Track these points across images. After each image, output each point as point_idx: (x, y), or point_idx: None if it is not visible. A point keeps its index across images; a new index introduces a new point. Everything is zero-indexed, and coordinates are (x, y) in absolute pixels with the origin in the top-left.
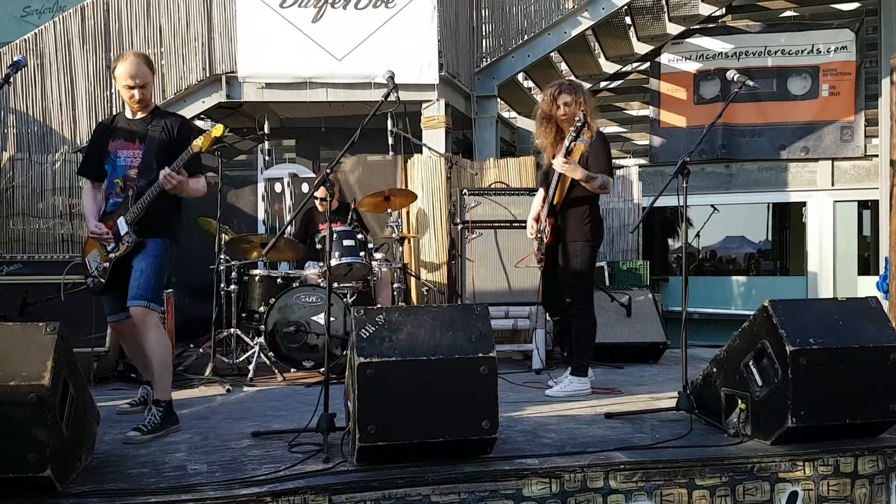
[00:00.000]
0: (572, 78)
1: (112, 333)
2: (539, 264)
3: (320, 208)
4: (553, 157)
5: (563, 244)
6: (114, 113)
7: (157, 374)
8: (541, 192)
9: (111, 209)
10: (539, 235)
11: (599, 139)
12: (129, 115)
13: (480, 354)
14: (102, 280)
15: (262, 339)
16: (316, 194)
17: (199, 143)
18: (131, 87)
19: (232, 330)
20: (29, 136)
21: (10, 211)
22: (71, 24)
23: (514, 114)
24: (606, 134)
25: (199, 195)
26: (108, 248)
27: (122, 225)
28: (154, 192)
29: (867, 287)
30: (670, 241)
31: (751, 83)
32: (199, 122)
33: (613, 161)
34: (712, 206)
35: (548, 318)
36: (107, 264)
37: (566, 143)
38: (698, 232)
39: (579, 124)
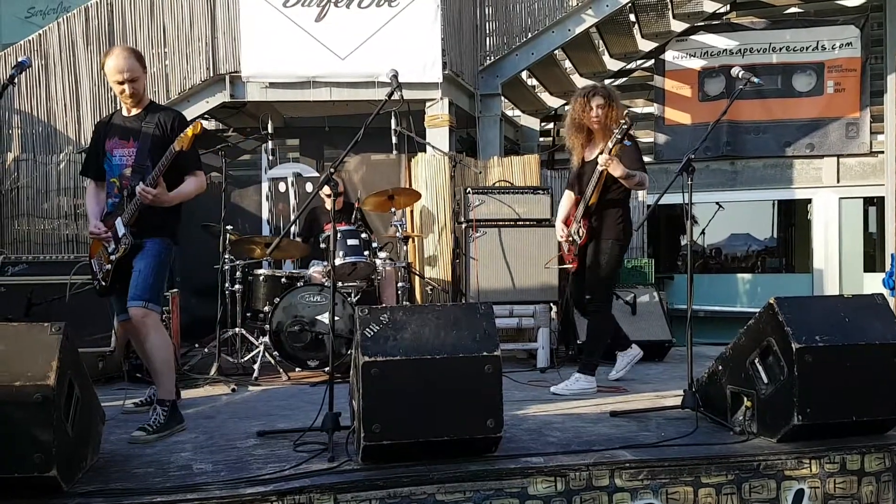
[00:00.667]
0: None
1: (118, 333)
2: (570, 265)
3: (327, 205)
4: (583, 160)
5: (595, 242)
6: (111, 112)
7: (159, 374)
8: (568, 194)
9: (110, 209)
10: (570, 238)
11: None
12: (124, 112)
13: (485, 353)
14: (104, 282)
15: (266, 339)
16: (324, 192)
17: (177, 145)
18: (121, 83)
19: (237, 329)
20: (33, 136)
21: (15, 211)
22: (75, 24)
23: (517, 112)
24: None
25: (196, 194)
26: (109, 250)
27: (120, 226)
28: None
29: (873, 284)
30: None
31: (755, 80)
32: (203, 123)
33: None
34: (717, 203)
35: (553, 316)
36: (109, 266)
37: (610, 143)
38: (703, 229)
39: (626, 126)
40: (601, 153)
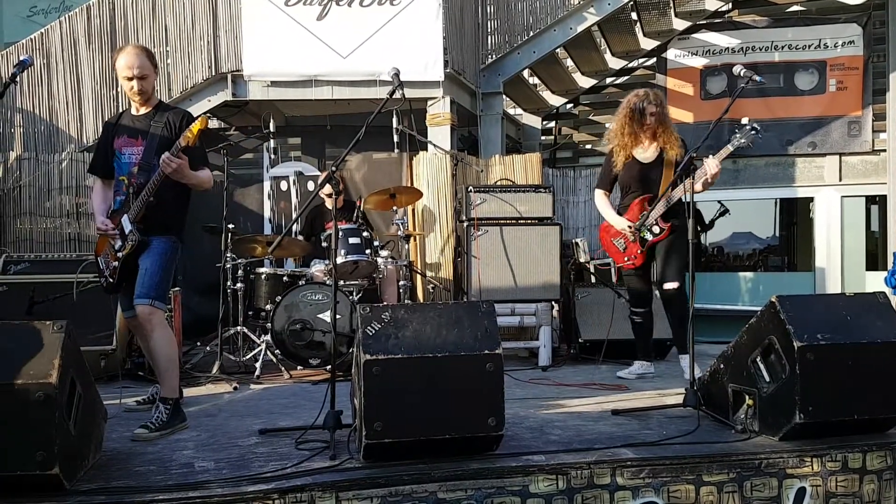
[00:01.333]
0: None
1: (119, 332)
2: (630, 262)
3: (328, 204)
4: (628, 159)
5: (673, 238)
6: (120, 111)
7: (162, 371)
8: (604, 193)
9: (118, 206)
10: (638, 234)
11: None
12: (133, 111)
13: (486, 351)
14: (112, 280)
15: (268, 337)
16: (324, 191)
17: (183, 140)
18: (130, 79)
19: (239, 328)
20: (35, 135)
21: (17, 210)
22: (77, 23)
23: (519, 110)
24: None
25: (205, 187)
26: (116, 247)
27: (126, 223)
28: (153, 185)
29: (875, 282)
30: None
31: (757, 78)
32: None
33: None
34: (719, 202)
35: (554, 315)
36: (116, 263)
37: (731, 148)
38: (707, 228)
39: (753, 132)
40: (704, 158)
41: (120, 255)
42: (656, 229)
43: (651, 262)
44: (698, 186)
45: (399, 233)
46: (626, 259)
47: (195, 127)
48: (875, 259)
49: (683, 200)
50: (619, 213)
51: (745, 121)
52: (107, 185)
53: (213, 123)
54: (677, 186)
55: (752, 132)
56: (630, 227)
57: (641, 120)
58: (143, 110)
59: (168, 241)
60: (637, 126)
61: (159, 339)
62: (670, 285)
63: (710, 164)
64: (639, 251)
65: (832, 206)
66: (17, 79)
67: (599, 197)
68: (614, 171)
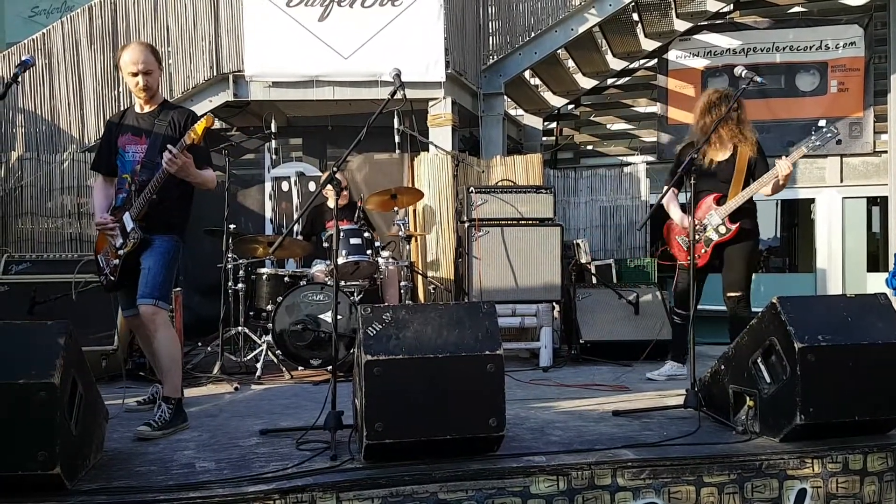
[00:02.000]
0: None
1: (121, 332)
2: (692, 259)
3: (330, 203)
4: (705, 156)
5: (742, 241)
6: (123, 108)
7: (165, 371)
8: (673, 191)
9: (120, 204)
10: (703, 233)
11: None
12: (137, 108)
13: (487, 352)
14: (113, 277)
15: (269, 338)
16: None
17: (188, 138)
18: (135, 74)
19: (240, 328)
20: (37, 135)
21: (18, 210)
22: (79, 23)
23: (520, 111)
24: (614, 131)
25: (209, 186)
26: (117, 245)
27: (128, 221)
28: (156, 183)
29: (876, 283)
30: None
31: (758, 79)
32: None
33: (624, 159)
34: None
35: (555, 316)
36: (116, 261)
37: (797, 154)
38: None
39: (829, 135)
40: (782, 158)
41: (121, 252)
42: (722, 229)
43: (713, 263)
44: (768, 189)
45: (400, 233)
46: (688, 258)
47: (200, 125)
48: (876, 260)
49: (755, 201)
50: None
51: (822, 123)
52: (108, 182)
53: (215, 124)
54: (748, 186)
55: (829, 135)
56: (687, 223)
57: (724, 117)
58: (147, 108)
59: (170, 240)
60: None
61: (163, 338)
62: (731, 294)
63: (782, 166)
64: (703, 250)
65: (833, 207)
66: (19, 79)
67: (669, 194)
68: (695, 168)
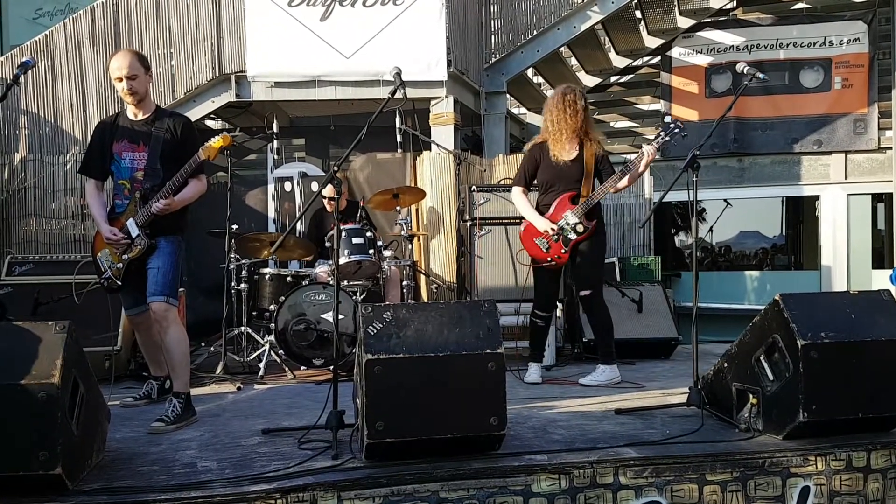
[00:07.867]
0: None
1: (124, 332)
2: (554, 261)
3: (328, 209)
4: (559, 154)
5: (593, 238)
6: (113, 114)
7: (177, 367)
8: (523, 191)
9: (119, 210)
10: (563, 233)
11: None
12: (131, 115)
13: (488, 351)
14: (118, 280)
15: (272, 338)
16: (324, 193)
17: (202, 154)
18: (121, 80)
19: (242, 328)
20: (40, 137)
21: (22, 212)
22: (81, 25)
23: (523, 110)
24: (619, 128)
25: (199, 195)
26: (120, 251)
27: (133, 227)
28: (166, 203)
29: (881, 280)
30: (683, 237)
31: (761, 75)
32: (209, 122)
33: (628, 157)
34: (725, 200)
35: (558, 314)
36: (120, 265)
37: (656, 144)
38: (711, 227)
39: (676, 130)
40: (638, 154)
41: (125, 257)
42: (580, 228)
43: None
44: (623, 182)
45: (402, 233)
46: (549, 259)
47: (217, 143)
48: (881, 257)
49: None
50: (541, 212)
51: (667, 119)
52: (100, 186)
53: (217, 124)
54: (605, 182)
55: (676, 130)
56: (553, 228)
57: (572, 115)
58: (140, 115)
59: (175, 240)
60: (564, 122)
61: (174, 334)
62: (586, 292)
63: (648, 150)
64: (563, 251)
65: (838, 204)
66: (20, 80)
67: (518, 195)
68: (542, 168)
